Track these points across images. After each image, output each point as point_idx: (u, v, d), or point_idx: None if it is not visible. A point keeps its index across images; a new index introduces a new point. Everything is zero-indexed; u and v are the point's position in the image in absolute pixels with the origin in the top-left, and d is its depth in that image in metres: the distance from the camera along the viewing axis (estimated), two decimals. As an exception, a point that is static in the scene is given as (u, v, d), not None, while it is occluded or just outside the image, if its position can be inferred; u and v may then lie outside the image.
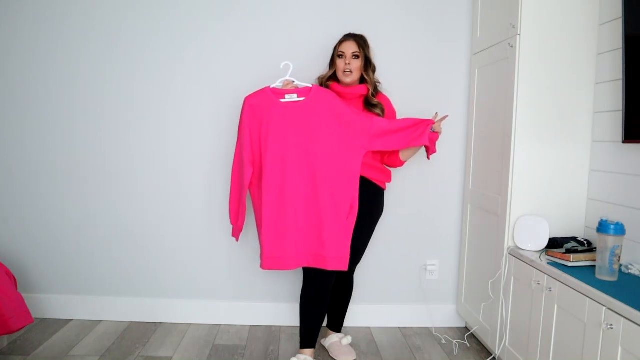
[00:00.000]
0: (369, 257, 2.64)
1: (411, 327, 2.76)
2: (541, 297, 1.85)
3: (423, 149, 2.29)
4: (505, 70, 2.19)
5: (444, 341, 2.58)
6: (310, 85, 2.17)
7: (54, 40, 2.61)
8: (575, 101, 2.12)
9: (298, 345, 2.34)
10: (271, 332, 2.67)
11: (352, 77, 2.22)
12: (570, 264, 1.82)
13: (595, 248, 1.81)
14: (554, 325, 1.77)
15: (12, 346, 2.38)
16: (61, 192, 2.68)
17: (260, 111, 2.14)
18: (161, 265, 2.73)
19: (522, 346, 2.01)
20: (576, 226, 2.15)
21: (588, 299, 1.57)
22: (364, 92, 2.25)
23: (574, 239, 2.04)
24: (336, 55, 2.25)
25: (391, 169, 2.38)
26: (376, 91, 2.29)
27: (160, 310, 2.73)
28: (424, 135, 2.14)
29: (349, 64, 2.21)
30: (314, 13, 2.62)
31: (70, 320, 2.72)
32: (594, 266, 1.75)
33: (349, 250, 2.13)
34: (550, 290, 1.79)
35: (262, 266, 2.15)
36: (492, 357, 2.34)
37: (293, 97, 2.14)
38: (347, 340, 2.43)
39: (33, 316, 2.32)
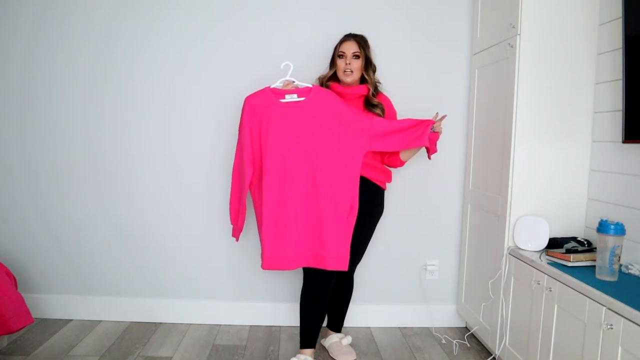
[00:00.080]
0: (369, 257, 2.64)
1: (411, 327, 2.76)
2: (541, 297, 1.85)
3: (423, 149, 2.29)
4: (505, 70, 2.19)
5: (444, 341, 2.58)
6: (311, 86, 2.17)
7: (54, 40, 2.61)
8: (575, 101, 2.12)
9: (298, 345, 2.34)
10: (271, 332, 2.67)
11: (353, 76, 2.22)
12: (570, 264, 1.82)
13: (595, 248, 1.81)
14: (554, 325, 1.77)
15: (12, 346, 2.38)
16: (61, 192, 2.68)
17: (260, 111, 2.14)
18: (161, 265, 2.73)
19: (522, 346, 2.01)
20: (576, 226, 2.15)
21: (588, 299, 1.57)
22: (364, 92, 2.25)
23: (574, 239, 2.04)
24: (337, 55, 2.25)
25: (391, 169, 2.38)
26: (376, 91, 2.29)
27: (160, 310, 2.73)
28: (423, 135, 2.14)
29: (349, 63, 2.21)
30: (314, 13, 2.62)
31: (70, 320, 2.72)
32: (594, 266, 1.75)
33: (349, 250, 2.13)
34: (550, 290, 1.79)
35: (263, 266, 2.15)
36: (492, 357, 2.34)
37: (293, 97, 2.14)
38: (347, 340, 2.43)
39: (33, 316, 2.32)
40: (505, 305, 2.16)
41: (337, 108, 2.13)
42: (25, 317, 2.19)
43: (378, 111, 2.23)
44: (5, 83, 2.63)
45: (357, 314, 2.72)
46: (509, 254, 2.14)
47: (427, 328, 2.75)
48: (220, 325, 2.73)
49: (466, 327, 2.74)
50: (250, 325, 2.74)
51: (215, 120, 2.64)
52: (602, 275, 1.67)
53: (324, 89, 2.19)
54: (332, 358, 2.37)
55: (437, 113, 2.25)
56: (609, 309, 1.46)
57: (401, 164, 2.30)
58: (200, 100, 2.64)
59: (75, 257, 2.72)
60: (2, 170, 2.67)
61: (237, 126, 2.28)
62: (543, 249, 2.05)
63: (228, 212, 2.49)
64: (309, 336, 2.23)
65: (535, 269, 1.92)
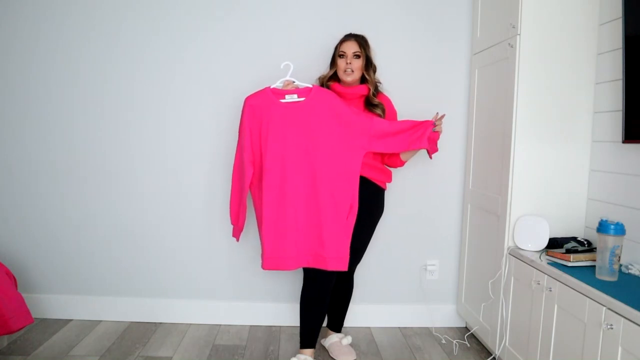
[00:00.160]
0: (369, 257, 2.64)
1: (411, 327, 2.76)
2: (541, 297, 1.85)
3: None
4: (505, 70, 2.19)
5: (444, 341, 2.58)
6: (311, 86, 2.17)
7: (54, 40, 2.61)
8: (575, 101, 2.12)
9: (298, 345, 2.34)
10: (271, 332, 2.67)
11: (353, 76, 2.23)
12: (570, 264, 1.82)
13: (595, 248, 1.81)
14: (554, 325, 1.77)
15: (12, 346, 2.38)
16: (61, 192, 2.68)
17: (260, 111, 2.14)
18: (161, 265, 2.73)
19: (522, 346, 2.01)
20: (576, 226, 2.15)
21: (588, 299, 1.57)
22: (365, 92, 2.25)
23: (574, 239, 2.04)
24: (337, 55, 2.25)
25: (391, 169, 2.38)
26: (377, 91, 2.29)
27: (160, 310, 2.73)
28: (423, 137, 2.14)
29: (350, 63, 2.21)
30: (314, 13, 2.62)
31: (70, 320, 2.72)
32: (594, 266, 1.74)
33: (349, 250, 2.13)
34: (550, 290, 1.79)
35: (263, 266, 2.15)
36: (492, 357, 2.34)
37: (293, 98, 2.14)
38: (347, 340, 2.43)
39: (33, 316, 2.32)
40: (505, 305, 2.16)
41: (337, 108, 2.13)
42: (25, 317, 2.19)
43: (378, 111, 2.23)
44: (5, 83, 2.63)
45: (357, 314, 2.72)
46: (509, 254, 2.14)
47: (427, 328, 2.75)
48: (220, 325, 2.73)
49: (466, 327, 2.74)
50: (250, 325, 2.74)
51: (215, 120, 2.64)
52: (602, 275, 1.67)
53: (324, 89, 2.19)
54: (332, 358, 2.37)
55: (437, 113, 2.25)
56: (609, 309, 1.46)
57: (401, 164, 2.30)
58: (200, 100, 2.64)
59: (75, 257, 2.72)
60: (2, 170, 2.67)
61: (237, 126, 2.28)
62: (543, 249, 2.05)
63: (228, 212, 2.49)
64: (309, 336, 2.23)
65: (535, 269, 1.92)
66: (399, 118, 2.33)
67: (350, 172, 2.12)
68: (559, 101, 2.11)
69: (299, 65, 2.27)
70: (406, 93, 2.55)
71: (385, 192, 2.37)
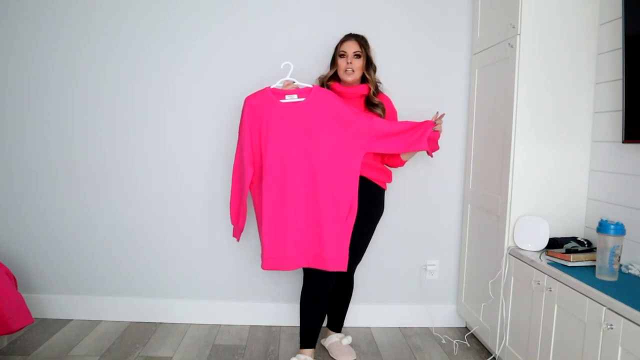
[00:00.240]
0: (369, 257, 2.64)
1: (411, 327, 2.76)
2: (541, 297, 1.85)
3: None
4: (505, 70, 2.19)
5: (444, 341, 2.58)
6: (311, 86, 2.17)
7: (54, 40, 2.61)
8: (575, 101, 2.12)
9: (298, 345, 2.34)
10: (271, 332, 2.67)
11: (354, 76, 2.23)
12: (570, 264, 1.82)
13: (595, 248, 1.81)
14: (554, 325, 1.77)
15: (12, 346, 2.38)
16: (61, 192, 2.68)
17: (260, 111, 2.14)
18: (161, 265, 2.73)
19: (522, 346, 2.01)
20: (576, 226, 2.15)
21: (588, 299, 1.57)
22: (365, 92, 2.25)
23: (574, 239, 2.04)
24: (338, 54, 2.25)
25: (391, 168, 2.38)
26: (377, 91, 2.29)
27: (160, 310, 2.73)
28: (423, 137, 2.13)
29: (350, 62, 2.21)
30: (314, 13, 2.62)
31: (70, 320, 2.72)
32: (594, 266, 1.75)
33: (347, 251, 2.13)
34: (550, 290, 1.79)
35: (263, 266, 2.15)
36: (492, 357, 2.34)
37: (293, 98, 2.14)
38: (347, 340, 2.43)
39: (33, 316, 2.32)
40: (505, 305, 2.16)
41: (337, 108, 2.13)
42: (25, 317, 2.19)
43: (379, 111, 2.23)
44: (5, 83, 2.63)
45: (357, 314, 2.72)
46: (509, 254, 2.14)
47: (427, 328, 2.75)
48: (220, 325, 2.73)
49: (466, 327, 2.74)
50: (250, 325, 2.74)
51: (215, 120, 2.64)
52: (602, 275, 1.67)
53: (324, 90, 2.19)
54: (332, 358, 2.37)
55: (437, 112, 2.25)
56: (609, 309, 1.46)
57: (402, 163, 2.30)
58: (200, 100, 2.64)
59: (75, 257, 2.72)
60: (2, 170, 2.67)
61: (237, 126, 2.28)
62: (543, 249, 2.05)
63: (228, 212, 2.49)
64: (309, 336, 2.23)
65: (535, 269, 1.92)
66: (399, 118, 2.33)
67: (350, 172, 2.12)
68: (559, 101, 2.11)
69: (299, 65, 2.27)
70: (406, 93, 2.55)
71: (385, 192, 2.37)
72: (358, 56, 2.23)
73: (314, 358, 2.26)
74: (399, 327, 2.76)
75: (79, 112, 2.65)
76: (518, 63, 2.08)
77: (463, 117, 2.68)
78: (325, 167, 2.11)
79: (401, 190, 2.70)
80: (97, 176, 2.68)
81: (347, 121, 2.12)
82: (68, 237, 2.71)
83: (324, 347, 2.47)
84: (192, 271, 2.73)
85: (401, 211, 2.72)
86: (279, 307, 2.74)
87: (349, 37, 2.28)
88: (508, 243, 2.16)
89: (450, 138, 2.65)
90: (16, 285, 2.33)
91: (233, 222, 2.33)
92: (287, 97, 2.14)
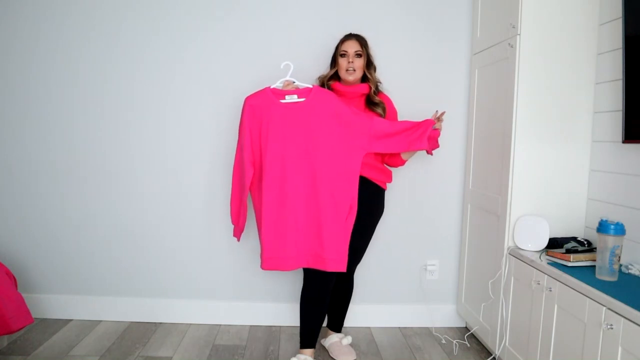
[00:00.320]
0: (369, 257, 2.64)
1: (411, 327, 2.76)
2: (541, 297, 1.85)
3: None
4: (505, 70, 2.19)
5: (444, 341, 2.58)
6: (311, 86, 2.17)
7: (54, 40, 2.61)
8: (575, 101, 2.12)
9: (298, 345, 2.34)
10: (271, 332, 2.67)
11: (355, 75, 2.23)
12: (570, 264, 1.82)
13: (595, 248, 1.81)
14: (554, 325, 1.77)
15: (12, 346, 2.38)
16: (61, 192, 2.68)
17: (260, 111, 2.14)
18: (161, 265, 2.73)
19: (522, 346, 2.01)
20: (576, 226, 2.15)
21: (588, 299, 1.57)
22: (366, 91, 2.25)
23: (574, 239, 2.04)
24: (338, 54, 2.26)
25: (392, 168, 2.38)
26: (377, 90, 2.29)
27: (160, 310, 2.73)
28: (423, 136, 2.13)
29: (352, 62, 2.21)
30: (314, 13, 2.62)
31: (70, 320, 2.72)
32: (594, 266, 1.75)
33: (347, 251, 2.13)
34: (550, 290, 1.79)
35: (262, 266, 2.15)
36: (492, 357, 2.34)
37: (293, 98, 2.14)
38: (347, 340, 2.43)
39: (33, 316, 2.32)
40: (505, 305, 2.16)
41: (337, 108, 2.13)
42: (25, 317, 2.19)
43: (379, 110, 2.23)
44: (5, 83, 2.63)
45: (357, 314, 2.72)
46: (509, 254, 2.14)
47: (427, 328, 2.75)
48: (220, 325, 2.73)
49: (466, 327, 2.74)
50: (250, 325, 2.74)
51: (215, 120, 2.64)
52: (602, 275, 1.67)
53: (324, 90, 2.19)
54: (332, 358, 2.37)
55: (436, 111, 2.25)
56: (609, 309, 1.46)
57: (402, 163, 2.30)
58: (200, 100, 2.64)
59: (75, 257, 2.72)
60: (2, 170, 2.67)
61: (237, 126, 2.28)
62: (543, 249, 2.05)
63: (228, 212, 2.49)
64: (309, 336, 2.23)
65: (535, 269, 1.92)
66: (399, 118, 2.33)
67: (350, 172, 2.12)
68: (559, 101, 2.11)
69: (299, 65, 2.27)
70: (406, 93, 2.55)
71: (385, 192, 2.37)
72: (359, 55, 2.23)
73: (314, 358, 2.26)
74: (399, 327, 2.76)
75: (79, 112, 2.65)
76: (518, 63, 2.08)
77: (463, 117, 2.68)
78: (325, 168, 2.11)
79: (401, 190, 2.70)
80: (97, 176, 2.68)
81: (347, 121, 2.12)
82: (68, 237, 2.71)
83: (324, 347, 2.47)
84: (192, 271, 2.73)
85: (401, 211, 2.72)
86: (279, 307, 2.74)
87: (350, 36, 2.28)
88: (508, 243, 2.16)
89: (450, 138, 2.65)
90: (16, 285, 2.33)
91: (233, 222, 2.33)
92: (287, 97, 2.14)
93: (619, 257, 1.67)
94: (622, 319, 1.40)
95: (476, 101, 2.56)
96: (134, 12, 2.61)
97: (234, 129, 2.42)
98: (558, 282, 1.75)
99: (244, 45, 2.63)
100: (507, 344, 2.14)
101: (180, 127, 2.66)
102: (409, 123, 2.17)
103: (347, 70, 2.22)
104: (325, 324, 2.50)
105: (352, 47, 2.23)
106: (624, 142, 1.84)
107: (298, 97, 2.13)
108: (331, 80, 2.29)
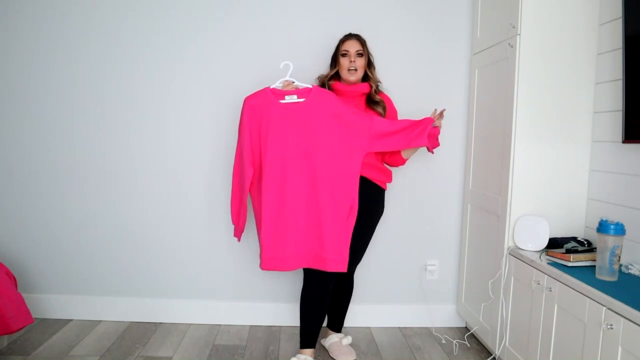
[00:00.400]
0: (369, 257, 2.64)
1: (411, 327, 2.76)
2: (541, 297, 1.85)
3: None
4: (505, 70, 2.19)
5: (444, 341, 2.58)
6: (310, 86, 2.17)
7: (54, 40, 2.61)
8: (575, 101, 2.12)
9: (298, 345, 2.34)
10: (271, 332, 2.67)
11: (357, 75, 2.24)
12: (570, 264, 1.82)
13: (595, 248, 1.81)
14: (554, 325, 1.77)
15: (12, 346, 2.38)
16: (61, 192, 2.68)
17: (260, 112, 2.13)
18: (161, 265, 2.73)
19: (522, 346, 2.01)
20: (576, 226, 2.15)
21: (588, 299, 1.57)
22: (366, 90, 2.25)
23: (574, 239, 2.04)
24: (339, 54, 2.26)
25: (392, 168, 2.38)
26: (378, 89, 2.29)
27: (160, 310, 2.73)
28: (423, 133, 2.13)
29: (353, 61, 2.22)
30: (314, 13, 2.62)
31: (70, 320, 2.72)
32: (594, 266, 1.75)
33: (348, 251, 2.13)
34: (550, 290, 1.79)
35: (262, 266, 2.15)
36: (492, 357, 2.34)
37: (293, 98, 2.13)
38: (347, 340, 2.43)
39: (33, 316, 2.32)
40: (505, 305, 2.16)
41: (336, 108, 2.13)
42: (25, 317, 2.19)
43: (380, 109, 2.23)
44: (5, 83, 2.63)
45: (357, 314, 2.72)
46: (509, 254, 2.14)
47: (427, 328, 2.75)
48: (220, 325, 2.73)
49: (466, 327, 2.74)
50: (250, 325, 2.74)
51: (215, 120, 2.64)
52: (602, 275, 1.67)
53: (323, 90, 2.18)
54: (332, 358, 2.37)
55: (435, 109, 2.25)
56: (609, 309, 1.46)
57: (403, 162, 2.30)
58: (200, 100, 2.64)
59: (75, 257, 2.72)
60: (2, 170, 2.67)
61: (237, 126, 2.28)
62: (543, 249, 2.05)
63: (228, 212, 2.49)
64: (309, 336, 2.23)
65: (535, 269, 1.92)
66: (399, 118, 2.33)
67: (350, 172, 2.12)
68: (559, 101, 2.11)
69: (299, 65, 2.27)
70: (406, 93, 2.55)
71: (385, 192, 2.37)
72: (360, 55, 2.23)
73: (314, 358, 2.26)
74: (399, 327, 2.76)
75: (79, 112, 2.65)
76: (518, 63, 2.08)
77: (463, 117, 2.68)
78: (325, 168, 2.10)
79: (401, 190, 2.70)
80: (97, 176, 2.68)
81: (347, 121, 2.12)
82: (68, 237, 2.71)
83: (324, 347, 2.47)
84: (192, 271, 2.73)
85: (401, 211, 2.72)
86: (279, 307, 2.74)
87: (350, 36, 2.28)
88: (508, 243, 2.16)
89: (450, 138, 2.65)
90: (16, 285, 2.33)
91: (234, 222, 2.33)
92: (286, 97, 2.13)
93: (619, 257, 1.67)
94: (622, 319, 1.40)
95: (476, 101, 2.56)
96: (134, 12, 2.61)
97: (234, 129, 2.42)
98: (558, 282, 1.75)
99: (244, 45, 2.63)
100: (507, 344, 2.14)
101: (180, 127, 2.66)
102: (409, 121, 2.17)
103: (349, 70, 2.22)
104: (325, 324, 2.50)
105: (353, 46, 2.23)
106: (624, 142, 1.84)
107: (298, 98, 2.13)
108: (331, 80, 2.29)
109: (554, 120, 2.11)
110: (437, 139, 2.25)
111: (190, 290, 2.74)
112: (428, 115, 2.25)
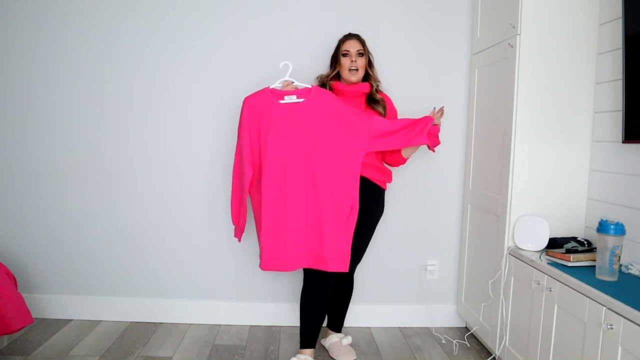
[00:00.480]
0: (369, 257, 2.64)
1: (411, 327, 2.76)
2: (541, 297, 1.85)
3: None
4: (505, 70, 2.19)
5: (444, 341, 2.58)
6: (310, 86, 2.17)
7: (54, 40, 2.61)
8: (575, 101, 2.12)
9: (298, 345, 2.34)
10: (271, 332, 2.67)
11: (358, 75, 2.24)
12: (570, 264, 1.82)
13: (595, 248, 1.81)
14: (554, 325, 1.77)
15: (12, 346, 2.38)
16: (61, 192, 2.68)
17: (259, 112, 2.13)
18: (161, 265, 2.73)
19: (522, 346, 2.01)
20: (576, 226, 2.15)
21: (588, 299, 1.57)
22: (367, 90, 2.26)
23: (574, 239, 2.04)
24: (340, 54, 2.26)
25: (392, 168, 2.38)
26: (378, 89, 2.30)
27: (160, 310, 2.73)
28: (423, 131, 2.13)
29: (354, 61, 2.22)
30: (314, 13, 2.62)
31: (70, 320, 2.72)
32: (594, 266, 1.75)
33: (350, 251, 2.13)
34: (550, 290, 1.79)
35: (262, 267, 2.15)
36: (492, 357, 2.34)
37: (292, 99, 2.13)
38: (347, 340, 2.43)
39: (33, 316, 2.32)
40: (505, 305, 2.16)
41: (336, 108, 2.13)
42: (25, 317, 2.19)
43: (380, 108, 2.23)
44: (5, 83, 2.63)
45: (357, 314, 2.72)
46: (509, 254, 2.14)
47: (427, 328, 2.75)
48: (220, 325, 2.73)
49: (466, 327, 2.74)
50: (250, 325, 2.74)
51: (215, 120, 2.64)
52: (602, 275, 1.67)
53: (323, 90, 2.18)
54: (332, 358, 2.37)
55: (434, 108, 2.26)
56: (609, 309, 1.46)
57: (403, 161, 2.30)
58: (200, 100, 2.64)
59: (75, 257, 2.72)
60: (2, 170, 2.67)
61: (237, 126, 2.28)
62: (543, 249, 2.05)
63: (228, 213, 2.49)
64: (309, 336, 2.23)
65: (535, 269, 1.92)
66: (399, 118, 2.33)
67: (351, 172, 2.12)
68: (559, 101, 2.11)
69: (298, 65, 2.27)
70: (406, 93, 2.55)
71: (385, 192, 2.37)
72: (361, 54, 2.24)
73: (314, 358, 2.26)
74: (399, 327, 2.76)
75: (79, 112, 2.65)
76: (518, 63, 2.08)
77: (463, 117, 2.68)
78: (326, 168, 2.10)
79: (401, 190, 2.70)
80: (97, 176, 2.68)
81: (347, 121, 2.12)
82: (68, 237, 2.71)
83: (324, 347, 2.47)
84: (192, 271, 2.73)
85: (401, 211, 2.72)
86: (279, 307, 2.74)
87: (350, 36, 2.28)
88: (508, 243, 2.16)
89: (450, 138, 2.65)
90: (16, 285, 2.33)
91: (234, 223, 2.33)
92: (286, 97, 2.13)
93: (619, 257, 1.67)
94: (622, 319, 1.40)
95: (476, 101, 2.56)
96: (134, 12, 2.61)
97: (234, 129, 2.41)
98: (558, 282, 1.75)
99: (244, 45, 2.63)
100: (507, 344, 2.14)
101: (180, 127, 2.66)
102: (409, 120, 2.17)
103: (350, 70, 2.22)
104: (325, 324, 2.50)
105: (354, 46, 2.23)
106: (624, 142, 1.84)
107: (297, 98, 2.13)
108: (331, 79, 2.29)
109: (554, 120, 2.11)
110: (438, 137, 2.25)
111: (190, 290, 2.74)
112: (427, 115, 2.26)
